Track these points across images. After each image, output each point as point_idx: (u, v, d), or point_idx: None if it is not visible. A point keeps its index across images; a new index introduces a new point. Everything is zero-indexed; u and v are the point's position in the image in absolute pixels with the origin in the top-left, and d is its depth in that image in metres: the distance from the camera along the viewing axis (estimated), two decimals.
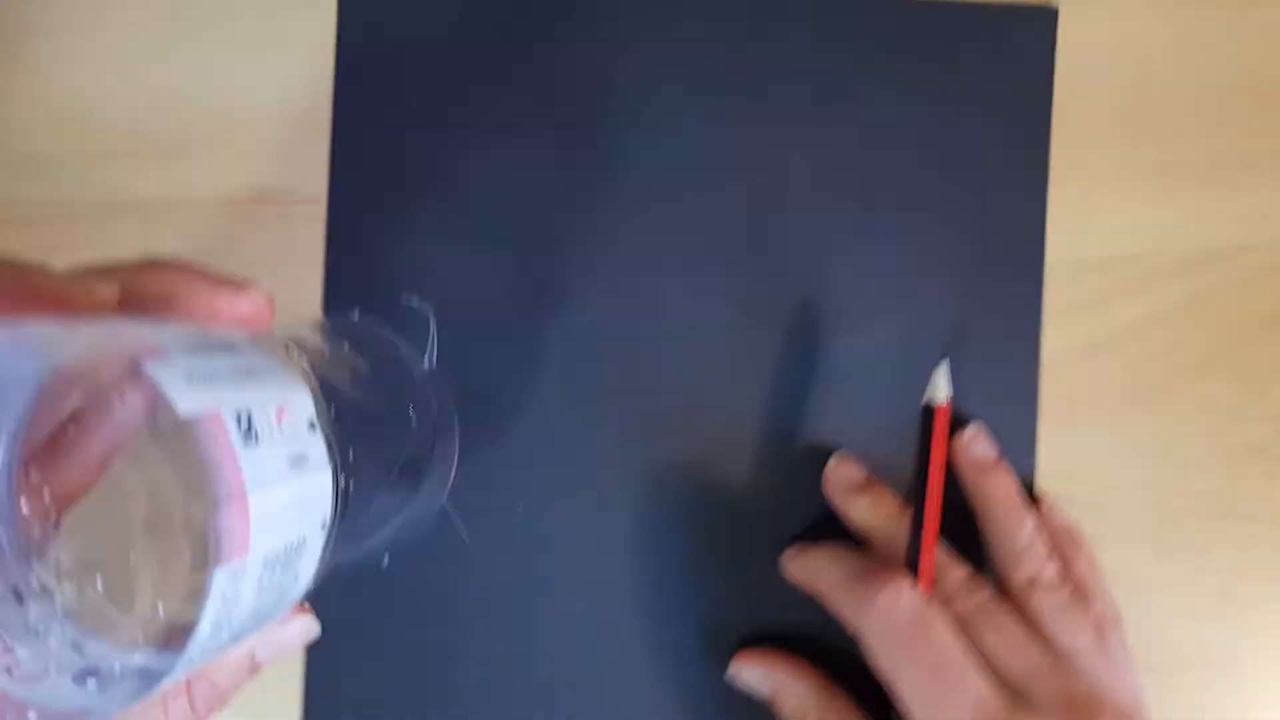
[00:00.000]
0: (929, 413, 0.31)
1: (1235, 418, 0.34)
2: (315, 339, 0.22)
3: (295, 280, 0.34)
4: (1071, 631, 0.30)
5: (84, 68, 0.34)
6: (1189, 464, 0.34)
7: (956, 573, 0.31)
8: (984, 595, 0.31)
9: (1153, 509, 0.34)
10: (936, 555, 0.31)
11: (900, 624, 0.29)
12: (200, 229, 0.34)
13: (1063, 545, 0.32)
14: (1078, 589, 0.31)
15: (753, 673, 0.33)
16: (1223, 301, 0.34)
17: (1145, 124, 0.34)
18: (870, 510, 0.32)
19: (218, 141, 0.34)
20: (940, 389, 0.31)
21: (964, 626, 0.30)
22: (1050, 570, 0.31)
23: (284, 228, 0.34)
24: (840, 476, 0.33)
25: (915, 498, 0.30)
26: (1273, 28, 0.34)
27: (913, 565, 0.30)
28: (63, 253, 0.34)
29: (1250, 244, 0.34)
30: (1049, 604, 0.30)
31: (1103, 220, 0.34)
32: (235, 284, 0.20)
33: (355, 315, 0.21)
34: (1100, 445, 0.34)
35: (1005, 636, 0.30)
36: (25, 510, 0.19)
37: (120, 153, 0.34)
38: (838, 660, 0.32)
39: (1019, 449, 0.34)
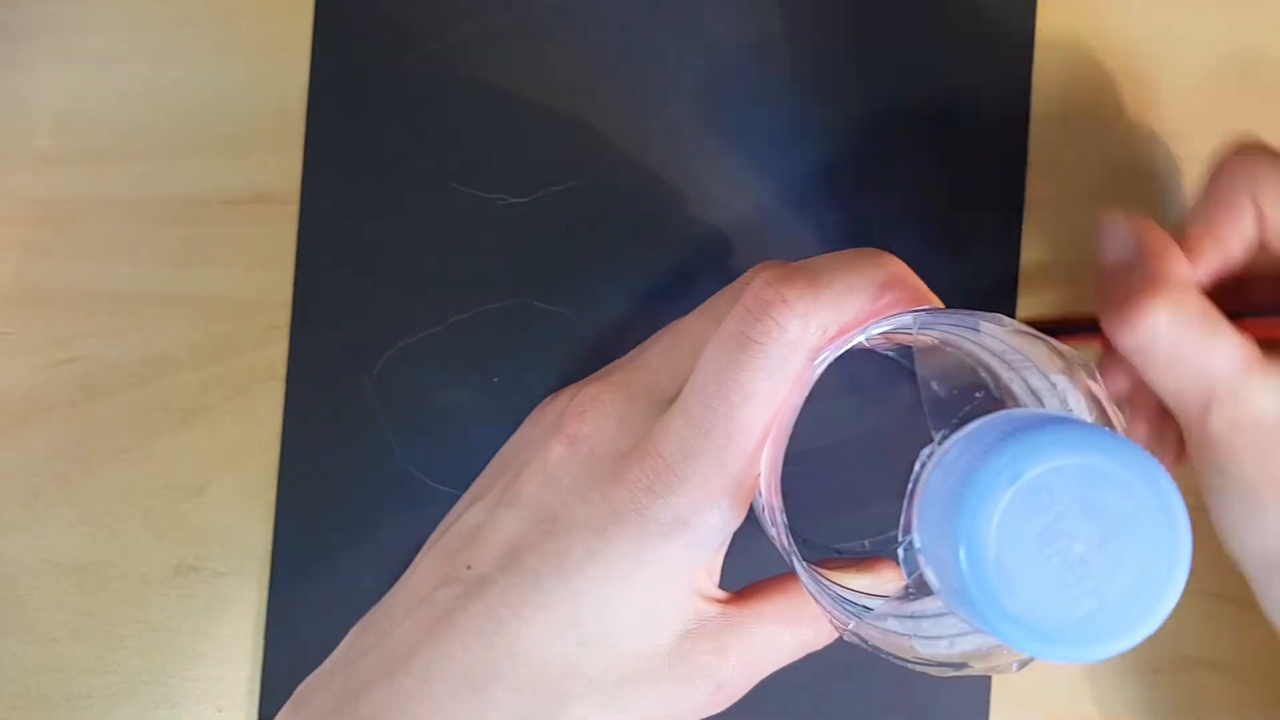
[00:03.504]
0: None
1: None
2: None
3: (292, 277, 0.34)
4: None
5: (84, 68, 0.34)
6: (1188, 464, 0.34)
7: None
8: None
9: None
10: None
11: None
12: (200, 229, 0.34)
13: None
14: None
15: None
16: None
17: (1145, 123, 0.34)
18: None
19: (215, 141, 0.34)
20: None
21: None
22: None
23: (282, 226, 0.34)
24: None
25: None
26: (1273, 26, 0.34)
27: None
28: (62, 252, 0.34)
29: None
30: None
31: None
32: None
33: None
34: None
35: None
36: None
37: (119, 153, 0.34)
38: None
39: None
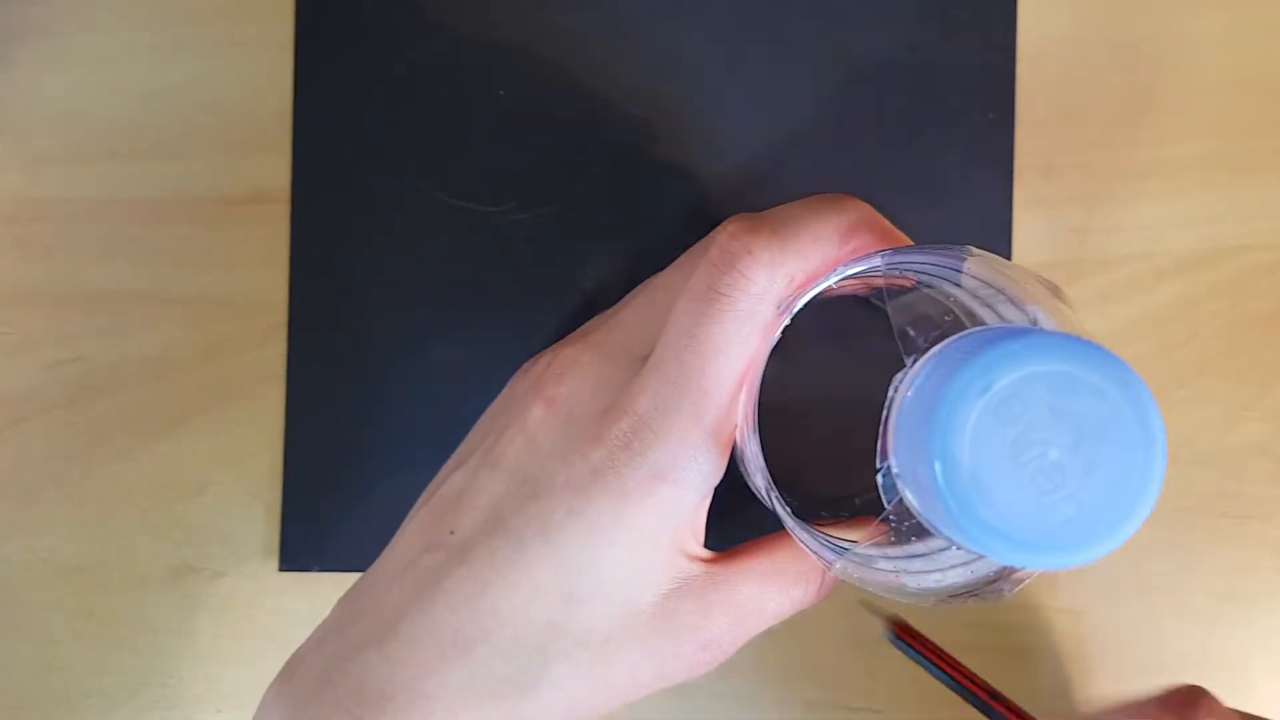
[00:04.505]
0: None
1: (1235, 418, 0.34)
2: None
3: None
4: None
5: (84, 68, 0.34)
6: (1188, 464, 0.34)
7: None
8: None
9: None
10: None
11: None
12: (200, 228, 0.34)
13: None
14: None
15: None
16: (1223, 301, 0.34)
17: (1145, 123, 0.34)
18: None
19: (215, 140, 0.34)
20: None
21: None
22: None
23: (282, 225, 0.34)
24: None
25: None
26: (1273, 27, 0.34)
27: None
28: (62, 252, 0.34)
29: (1250, 244, 0.34)
30: None
31: (1101, 220, 0.34)
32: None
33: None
34: None
35: None
36: None
37: (118, 153, 0.34)
38: None
39: None
